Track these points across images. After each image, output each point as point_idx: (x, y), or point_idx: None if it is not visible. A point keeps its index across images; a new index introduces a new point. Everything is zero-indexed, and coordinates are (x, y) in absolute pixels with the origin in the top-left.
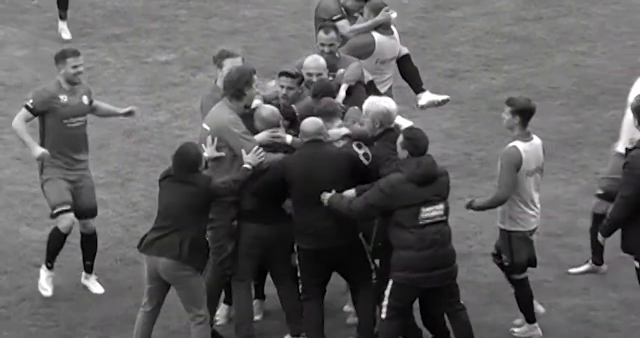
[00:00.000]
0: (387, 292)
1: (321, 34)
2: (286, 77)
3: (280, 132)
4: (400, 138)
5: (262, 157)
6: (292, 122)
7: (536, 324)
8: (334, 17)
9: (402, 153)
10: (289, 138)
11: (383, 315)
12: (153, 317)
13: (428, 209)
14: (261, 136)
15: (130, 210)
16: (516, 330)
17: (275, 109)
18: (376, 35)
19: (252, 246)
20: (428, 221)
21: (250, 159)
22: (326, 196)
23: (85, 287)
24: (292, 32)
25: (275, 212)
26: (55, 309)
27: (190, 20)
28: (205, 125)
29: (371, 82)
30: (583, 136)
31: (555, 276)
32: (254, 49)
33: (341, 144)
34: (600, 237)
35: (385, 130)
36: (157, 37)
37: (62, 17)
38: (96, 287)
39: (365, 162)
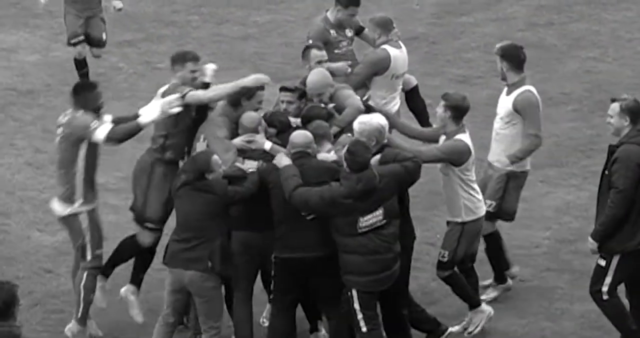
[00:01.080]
0: (356, 306)
1: (315, 51)
2: (285, 91)
3: (258, 137)
4: (344, 150)
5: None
6: (280, 131)
7: (483, 305)
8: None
9: (344, 164)
10: (267, 144)
11: (364, 329)
12: (174, 328)
13: (367, 218)
14: (235, 141)
15: None
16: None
17: (255, 116)
18: (390, 49)
19: (243, 254)
20: (367, 229)
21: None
22: (281, 161)
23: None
24: (304, 38)
25: (265, 220)
26: (67, 315)
27: (202, 26)
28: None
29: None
30: (594, 142)
31: (567, 282)
32: (266, 55)
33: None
34: (591, 244)
35: (381, 147)
36: (169, 43)
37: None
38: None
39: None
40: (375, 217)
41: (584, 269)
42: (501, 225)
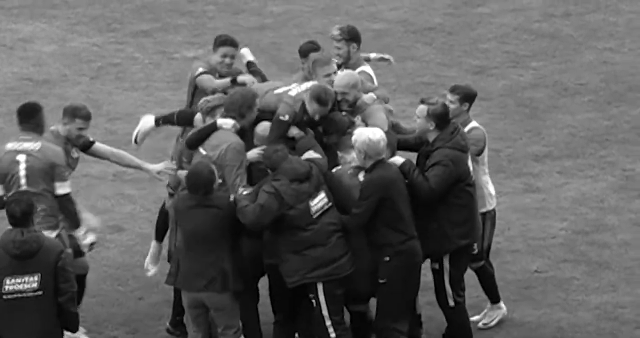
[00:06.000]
0: (324, 312)
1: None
2: None
3: None
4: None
5: None
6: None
7: (500, 303)
8: None
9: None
10: None
11: (332, 335)
12: None
13: (315, 202)
14: (249, 154)
15: (158, 205)
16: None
17: (269, 125)
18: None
19: (251, 261)
20: (319, 213)
21: None
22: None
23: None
24: (320, 28)
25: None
26: (82, 305)
27: (218, 16)
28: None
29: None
30: (611, 133)
31: (584, 273)
32: (282, 45)
33: (350, 171)
34: None
35: (376, 162)
36: (185, 33)
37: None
38: None
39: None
40: (321, 200)
41: (601, 260)
42: (514, 217)
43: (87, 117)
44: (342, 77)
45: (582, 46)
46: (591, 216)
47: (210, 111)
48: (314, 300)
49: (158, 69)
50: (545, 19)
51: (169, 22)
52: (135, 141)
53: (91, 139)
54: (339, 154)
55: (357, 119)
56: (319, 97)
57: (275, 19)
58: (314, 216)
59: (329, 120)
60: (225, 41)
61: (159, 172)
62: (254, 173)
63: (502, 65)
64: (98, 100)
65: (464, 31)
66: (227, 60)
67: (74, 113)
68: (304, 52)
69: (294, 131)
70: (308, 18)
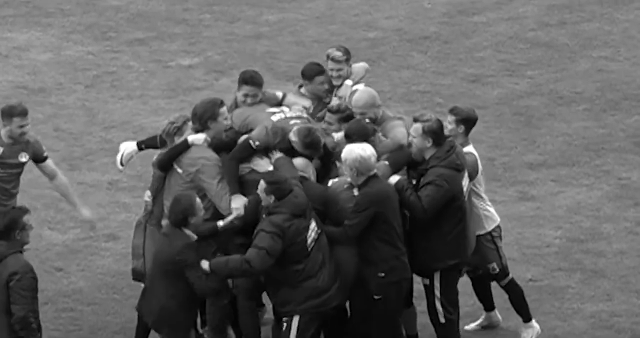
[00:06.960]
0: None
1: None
2: (329, 113)
3: (262, 162)
4: (263, 184)
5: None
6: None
7: (532, 322)
8: None
9: (268, 199)
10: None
11: None
12: None
13: (309, 233)
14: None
15: None
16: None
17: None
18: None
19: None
20: (313, 244)
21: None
22: (204, 265)
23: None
24: (315, 36)
25: None
26: (78, 313)
27: (213, 24)
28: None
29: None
30: (606, 141)
31: (579, 282)
32: (277, 54)
33: (346, 185)
34: None
35: (367, 178)
36: (181, 41)
37: None
38: None
39: None
40: (312, 230)
41: (596, 268)
42: (508, 225)
43: (24, 113)
44: (360, 97)
45: (577, 55)
46: (586, 224)
47: (177, 131)
48: (285, 323)
49: (153, 77)
50: (540, 27)
51: (165, 30)
52: (121, 164)
53: (45, 154)
54: (337, 164)
55: (378, 133)
56: (311, 143)
57: (270, 27)
58: (309, 248)
59: (355, 124)
60: (247, 80)
61: (88, 221)
62: (249, 182)
63: (497, 74)
64: (93, 109)
65: (459, 40)
66: (249, 100)
67: (10, 112)
68: (310, 76)
69: (262, 164)
70: (304, 26)
